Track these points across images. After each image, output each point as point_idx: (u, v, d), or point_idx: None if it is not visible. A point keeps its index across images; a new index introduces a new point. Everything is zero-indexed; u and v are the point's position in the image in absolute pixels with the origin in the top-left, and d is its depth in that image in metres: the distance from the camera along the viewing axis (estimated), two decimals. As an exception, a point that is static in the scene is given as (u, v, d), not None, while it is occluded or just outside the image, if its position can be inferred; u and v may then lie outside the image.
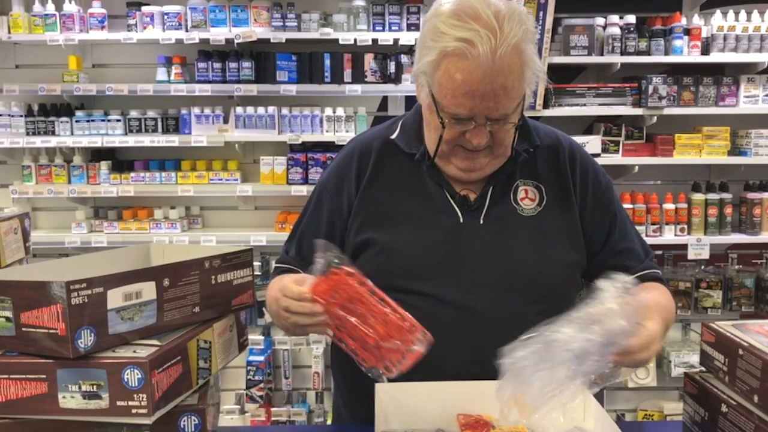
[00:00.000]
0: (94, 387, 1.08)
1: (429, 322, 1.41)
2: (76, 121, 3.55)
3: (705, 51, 3.48)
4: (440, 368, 1.34)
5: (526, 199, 1.51)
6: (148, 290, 1.16)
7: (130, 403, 1.07)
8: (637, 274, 1.53)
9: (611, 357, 1.18)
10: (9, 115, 3.56)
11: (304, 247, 1.57)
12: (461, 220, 1.48)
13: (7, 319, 1.10)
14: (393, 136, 1.55)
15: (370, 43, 3.45)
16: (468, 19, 1.30)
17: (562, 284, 1.50)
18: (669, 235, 3.58)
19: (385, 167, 1.53)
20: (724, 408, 1.20)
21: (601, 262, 1.54)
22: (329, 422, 3.70)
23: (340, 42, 3.44)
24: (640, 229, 3.51)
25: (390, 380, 1.29)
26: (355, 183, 1.53)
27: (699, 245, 3.56)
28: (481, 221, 1.48)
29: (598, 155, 3.46)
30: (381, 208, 1.50)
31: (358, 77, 3.52)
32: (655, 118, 3.50)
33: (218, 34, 3.44)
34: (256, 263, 3.56)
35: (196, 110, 3.57)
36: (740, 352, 1.18)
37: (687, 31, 3.46)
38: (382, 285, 1.46)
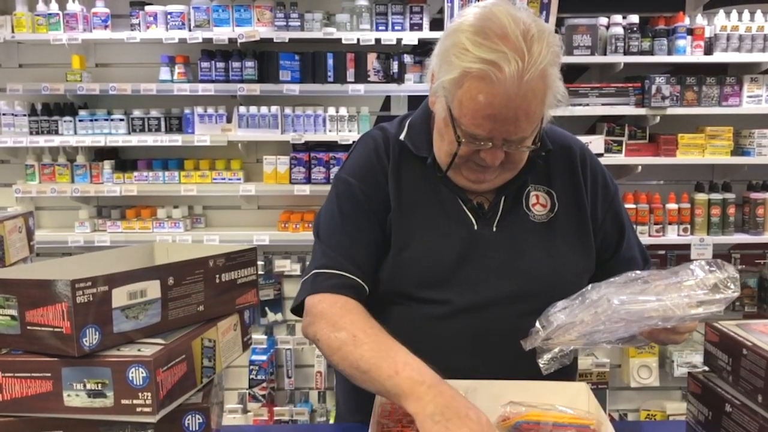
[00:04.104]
0: (99, 385, 1.08)
1: (442, 328, 1.42)
2: (80, 121, 3.56)
3: (708, 51, 3.47)
4: (453, 374, 1.34)
5: (538, 205, 1.49)
6: (152, 289, 1.17)
7: (135, 401, 1.07)
8: None
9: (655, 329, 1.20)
10: (12, 114, 3.57)
11: (357, 255, 1.44)
12: (475, 228, 1.46)
13: (12, 317, 1.10)
14: (402, 137, 1.51)
15: (373, 42, 3.45)
16: (495, 39, 1.24)
17: (573, 290, 1.48)
18: (672, 235, 3.58)
19: (401, 166, 1.50)
20: (728, 408, 1.20)
21: (607, 269, 1.54)
22: (332, 421, 3.71)
23: (343, 42, 3.44)
24: (643, 229, 3.52)
25: None
26: (387, 166, 1.48)
27: (702, 245, 3.56)
28: (494, 228, 1.46)
29: (601, 155, 3.45)
30: (399, 208, 1.47)
31: (361, 77, 3.52)
32: (658, 117, 3.50)
33: (221, 34, 3.45)
34: (259, 262, 3.57)
35: (199, 110, 3.57)
36: (744, 351, 1.18)
37: (690, 31, 3.45)
38: (397, 291, 1.45)
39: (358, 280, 1.42)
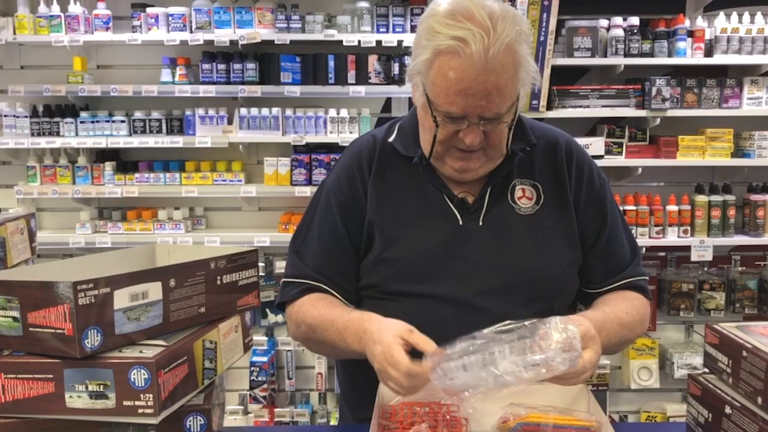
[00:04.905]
0: (101, 387, 1.08)
1: (431, 322, 1.43)
2: (81, 122, 3.56)
3: (708, 53, 3.48)
4: None
5: (524, 198, 1.52)
6: (154, 291, 1.17)
7: (137, 402, 1.08)
8: (616, 284, 1.56)
9: (540, 377, 1.19)
10: (14, 115, 3.57)
11: (326, 262, 1.53)
12: (460, 223, 1.49)
13: (15, 319, 1.10)
14: (391, 139, 1.56)
15: (374, 44, 3.45)
16: (462, 19, 1.31)
17: (561, 282, 1.51)
18: (672, 237, 3.58)
19: (386, 169, 1.54)
20: (728, 409, 1.21)
21: (588, 260, 1.56)
22: (332, 423, 3.71)
23: (344, 43, 3.44)
24: (644, 230, 3.52)
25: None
26: (367, 177, 1.54)
27: (702, 247, 3.56)
28: (480, 222, 1.49)
29: (601, 157, 3.46)
30: (382, 209, 1.51)
31: (362, 79, 3.52)
32: (659, 119, 3.51)
33: (222, 36, 3.45)
34: (260, 264, 3.57)
35: (200, 111, 3.58)
36: (744, 353, 1.18)
37: (690, 33, 3.46)
38: (384, 288, 1.49)
39: (322, 285, 1.52)
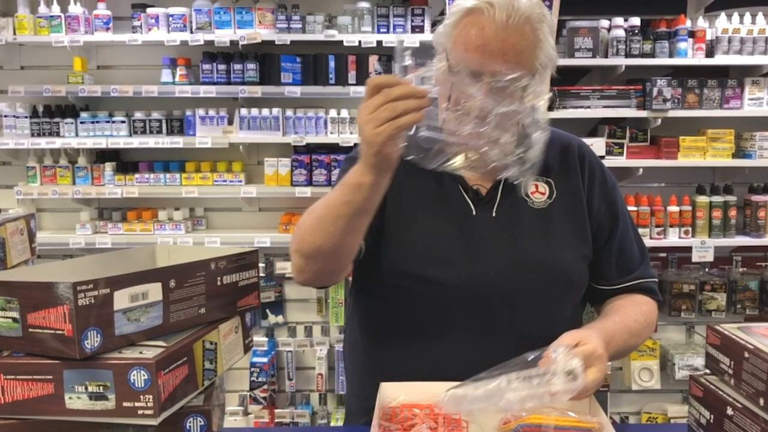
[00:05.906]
0: (101, 388, 1.08)
1: (441, 310, 1.46)
2: (81, 123, 3.56)
3: (709, 53, 3.48)
4: (452, 357, 1.36)
5: (537, 193, 1.54)
6: (154, 291, 1.17)
7: (137, 404, 1.07)
8: (626, 285, 1.58)
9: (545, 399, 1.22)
10: (14, 116, 3.57)
11: None
12: (474, 213, 1.50)
13: (14, 319, 1.10)
14: (410, 132, 1.56)
15: (374, 45, 3.45)
16: None
17: (570, 274, 1.53)
18: (673, 238, 3.58)
19: (402, 160, 1.54)
20: (729, 411, 1.20)
21: (601, 257, 1.58)
22: (333, 424, 3.71)
23: (345, 44, 3.44)
24: (644, 231, 3.51)
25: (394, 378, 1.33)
26: None
27: (703, 248, 3.56)
28: (494, 213, 1.51)
29: (602, 157, 3.44)
30: (398, 197, 1.51)
31: (363, 79, 3.52)
32: (660, 120, 3.50)
33: (223, 36, 3.45)
34: (260, 264, 3.57)
35: (200, 112, 3.58)
36: (746, 354, 1.18)
37: (691, 34, 3.46)
38: (395, 271, 1.49)
39: None
